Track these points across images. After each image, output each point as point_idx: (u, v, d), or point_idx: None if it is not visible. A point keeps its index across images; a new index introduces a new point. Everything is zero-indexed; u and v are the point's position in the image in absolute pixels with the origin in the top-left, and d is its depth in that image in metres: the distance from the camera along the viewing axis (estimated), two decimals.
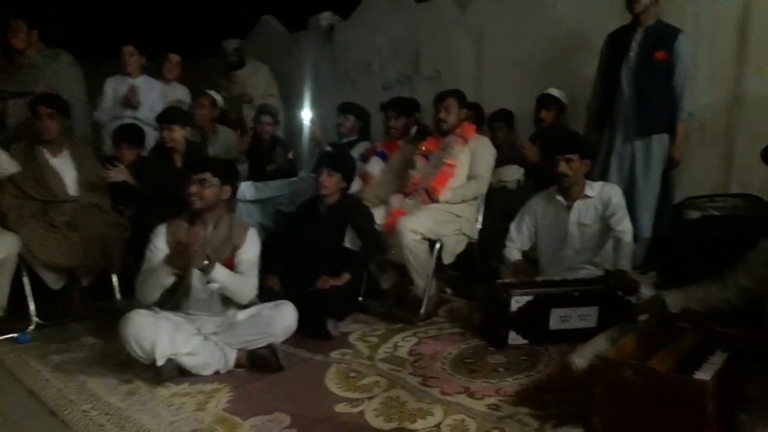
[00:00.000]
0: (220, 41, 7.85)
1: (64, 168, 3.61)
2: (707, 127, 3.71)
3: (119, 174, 3.69)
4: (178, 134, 3.89)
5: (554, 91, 4.12)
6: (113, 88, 4.90)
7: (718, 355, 1.99)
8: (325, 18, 6.48)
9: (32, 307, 3.35)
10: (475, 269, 3.93)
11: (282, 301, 2.85)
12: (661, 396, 1.80)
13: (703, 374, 1.82)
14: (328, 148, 4.45)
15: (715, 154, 3.71)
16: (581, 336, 2.69)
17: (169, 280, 2.65)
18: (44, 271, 3.38)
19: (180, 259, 2.57)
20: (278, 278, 3.29)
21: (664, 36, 3.40)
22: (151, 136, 4.42)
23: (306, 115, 5.67)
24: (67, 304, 3.56)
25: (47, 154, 3.56)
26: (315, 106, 5.92)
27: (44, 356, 2.94)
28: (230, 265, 2.77)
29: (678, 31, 3.41)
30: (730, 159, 3.65)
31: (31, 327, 3.29)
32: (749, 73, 3.57)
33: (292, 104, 6.18)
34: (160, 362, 2.53)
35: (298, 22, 6.91)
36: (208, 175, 2.74)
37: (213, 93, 5.03)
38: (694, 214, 3.52)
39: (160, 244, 2.73)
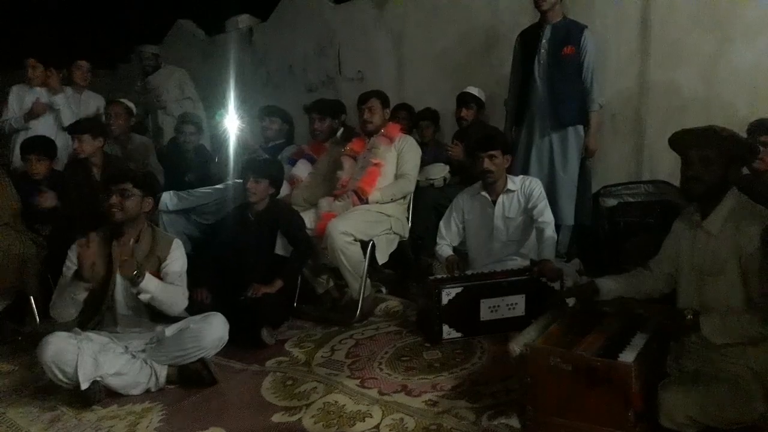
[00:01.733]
0: (135, 47, 7.57)
1: None
2: (618, 117, 3.90)
3: (48, 200, 3.52)
4: (89, 145, 3.72)
5: (472, 90, 4.20)
6: (18, 97, 4.63)
7: (639, 336, 2.08)
8: (243, 21, 6.37)
9: None
10: (409, 267, 3.97)
11: (211, 312, 2.77)
12: (589, 380, 1.86)
13: (627, 356, 1.90)
14: (263, 156, 4.33)
15: (627, 143, 3.89)
16: (511, 325, 2.79)
17: (81, 294, 2.52)
18: None
19: (90, 269, 2.45)
20: (208, 289, 3.19)
21: (571, 32, 3.54)
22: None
23: (231, 121, 5.54)
24: None
25: None
26: (238, 110, 5.80)
27: None
28: (156, 277, 2.66)
29: (583, 26, 3.56)
30: (641, 147, 3.84)
31: None
32: (652, 65, 3.77)
33: (213, 109, 6.03)
34: (84, 386, 2.40)
35: (216, 25, 6.76)
36: (128, 186, 2.63)
37: (126, 101, 4.82)
38: (611, 202, 3.70)
39: (75, 259, 2.60)
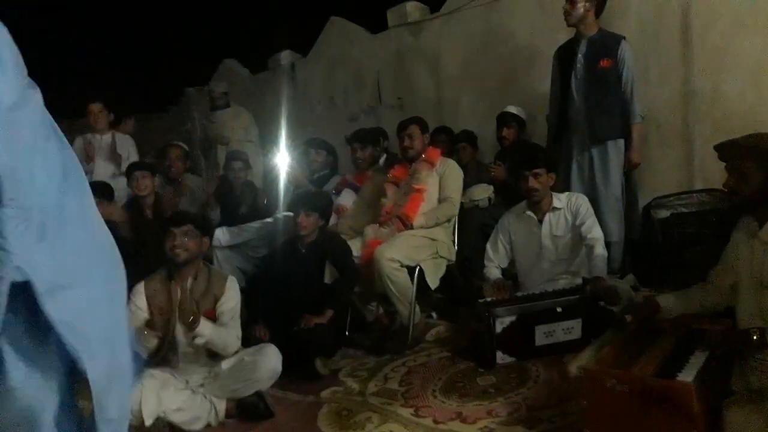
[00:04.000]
0: (183, 89, 7.88)
1: None
2: (664, 126, 3.81)
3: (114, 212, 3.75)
4: (148, 184, 3.91)
5: (512, 109, 4.19)
6: (81, 146, 4.89)
7: (699, 353, 2.00)
8: (285, 57, 6.55)
9: None
10: (458, 290, 3.94)
11: (264, 344, 2.82)
12: (647, 401, 1.81)
13: (686, 375, 1.83)
14: (311, 189, 4.42)
15: (676, 153, 3.79)
16: (567, 348, 2.72)
17: (153, 342, 2.62)
18: None
19: (161, 321, 2.55)
20: (264, 324, 3.25)
21: (607, 44, 3.50)
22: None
23: (279, 155, 5.67)
24: None
25: None
26: (285, 145, 5.95)
27: None
28: (211, 315, 2.75)
29: (620, 37, 3.51)
30: (690, 155, 3.73)
31: None
32: (696, 72, 3.67)
33: (261, 144, 6.20)
34: (148, 422, 2.48)
35: (259, 63, 6.98)
36: (191, 227, 2.74)
37: (183, 144, 5.02)
38: (663, 213, 3.59)
39: (140, 303, 2.71)
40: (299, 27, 6.54)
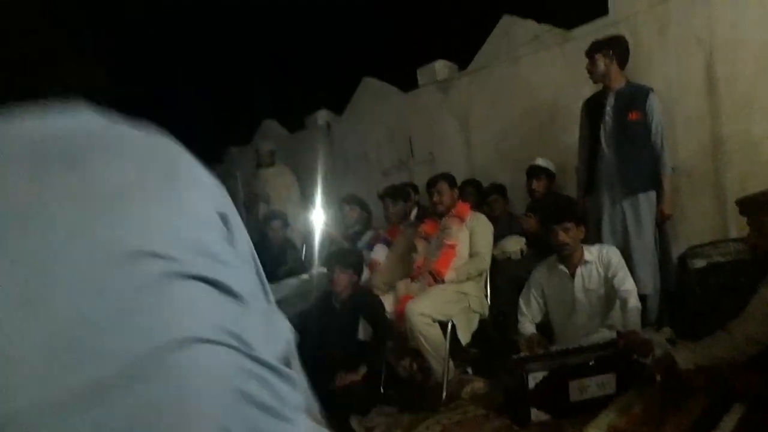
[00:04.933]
0: (226, 148, 8.19)
1: None
2: (695, 175, 3.77)
3: None
4: None
5: (541, 161, 4.23)
6: None
7: (735, 410, 1.95)
8: (321, 116, 6.78)
9: None
10: (492, 345, 3.91)
11: None
12: None
13: None
14: (345, 246, 4.51)
15: (708, 201, 3.74)
16: (603, 404, 2.65)
17: None
18: None
19: None
20: None
21: (635, 97, 3.53)
22: None
23: (315, 212, 5.81)
24: None
25: None
26: (322, 202, 6.09)
27: None
28: None
29: (648, 89, 3.53)
30: (723, 203, 3.67)
31: None
32: (724, 120, 3.66)
33: (301, 202, 6.36)
34: None
35: (296, 122, 7.23)
36: None
37: None
38: (700, 263, 3.52)
39: None
40: (334, 87, 6.78)
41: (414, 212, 4.52)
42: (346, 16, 6.79)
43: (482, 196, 4.49)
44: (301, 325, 3.80)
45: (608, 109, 3.59)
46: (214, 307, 0.49)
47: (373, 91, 6.06)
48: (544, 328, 3.42)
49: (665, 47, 3.89)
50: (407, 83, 5.74)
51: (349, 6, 6.57)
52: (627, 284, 3.04)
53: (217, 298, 0.50)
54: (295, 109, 7.29)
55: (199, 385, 0.46)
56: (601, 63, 3.54)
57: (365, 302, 3.57)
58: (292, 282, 4.45)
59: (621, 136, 3.54)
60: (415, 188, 4.81)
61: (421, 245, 3.84)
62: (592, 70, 3.59)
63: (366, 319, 3.51)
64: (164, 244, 0.48)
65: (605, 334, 3.08)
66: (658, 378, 2.44)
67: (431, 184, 3.85)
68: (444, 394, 3.34)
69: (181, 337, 0.45)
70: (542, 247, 3.82)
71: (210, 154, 8.48)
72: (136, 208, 0.48)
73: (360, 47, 6.88)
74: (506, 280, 3.92)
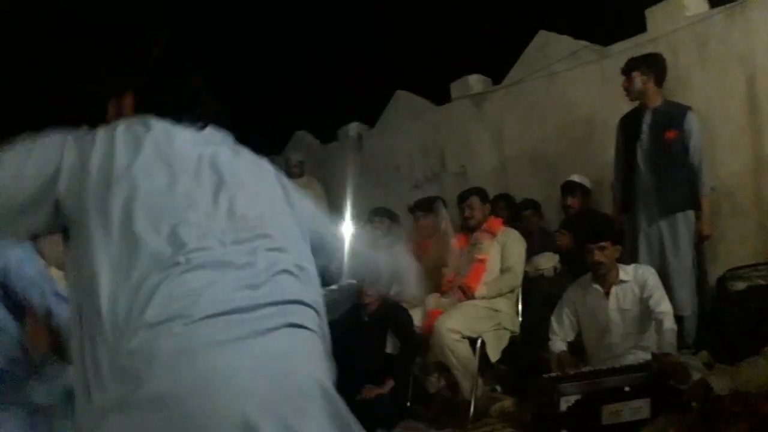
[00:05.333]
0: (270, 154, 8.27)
1: None
2: (736, 196, 3.70)
3: None
4: None
5: (576, 177, 4.18)
6: None
7: None
8: (353, 128, 6.82)
9: None
10: (523, 363, 3.86)
11: None
12: None
13: None
14: None
15: (749, 222, 3.66)
16: (635, 429, 2.60)
17: None
18: None
19: None
20: None
21: (673, 115, 3.48)
22: None
23: (346, 225, 5.82)
24: None
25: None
26: (352, 214, 6.11)
27: None
28: None
29: (686, 108, 3.48)
30: (765, 224, 3.59)
31: None
32: (766, 138, 3.58)
33: (330, 213, 6.39)
34: None
35: (329, 134, 7.29)
36: None
37: None
38: (740, 285, 3.45)
39: None
40: (367, 100, 6.83)
41: (443, 226, 4.50)
42: (381, 29, 6.84)
43: (515, 211, 4.45)
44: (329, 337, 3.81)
45: (645, 127, 3.55)
46: None
47: (405, 104, 6.09)
48: (576, 347, 3.37)
49: (705, 65, 3.84)
50: (440, 97, 5.76)
51: (384, 19, 6.62)
52: (663, 305, 2.99)
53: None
54: (328, 120, 7.35)
55: None
56: (638, 81, 3.51)
57: (394, 315, 3.56)
58: (323, 292, 4.46)
59: (658, 155, 3.49)
60: (444, 202, 4.80)
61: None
62: (628, 88, 3.55)
63: (394, 333, 3.50)
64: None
65: (639, 356, 3.03)
66: (694, 404, 2.38)
67: (463, 198, 3.85)
68: (472, 411, 3.31)
69: None
70: (576, 265, 3.77)
71: None
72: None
73: (393, 60, 6.92)
74: (538, 297, 3.88)
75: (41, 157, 1.06)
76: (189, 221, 1.05)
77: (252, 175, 1.25)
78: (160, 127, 1.14)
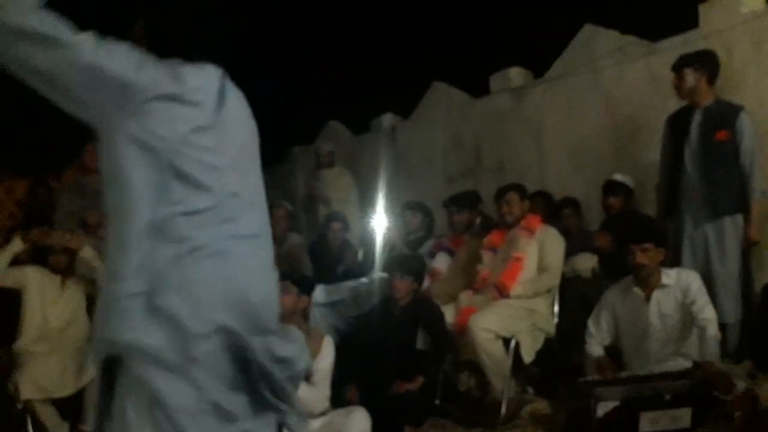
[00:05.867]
0: (289, 147, 8.33)
1: None
2: None
3: None
4: None
5: (619, 177, 4.11)
6: None
7: None
8: (387, 120, 6.81)
9: None
10: (557, 365, 3.82)
11: (353, 406, 2.87)
12: None
13: None
14: (406, 252, 4.53)
15: None
16: None
17: None
18: None
19: None
20: (355, 386, 3.30)
21: (725, 115, 3.39)
22: None
23: (377, 216, 5.84)
24: None
25: None
26: (384, 207, 6.11)
27: None
28: (307, 373, 2.83)
29: (739, 108, 3.39)
30: None
31: None
32: None
33: (361, 205, 6.40)
34: None
35: (361, 125, 7.29)
36: (288, 284, 2.88)
37: (287, 204, 5.32)
38: None
39: None
40: (402, 91, 6.80)
41: (478, 222, 4.48)
42: (420, 18, 6.80)
43: (553, 209, 4.40)
44: (359, 329, 3.83)
45: (694, 126, 3.46)
46: None
47: (442, 96, 6.05)
48: (612, 353, 3.32)
49: (760, 63, 3.72)
50: (478, 89, 5.70)
51: (424, 7, 6.58)
52: (707, 312, 2.93)
53: None
54: (361, 111, 7.35)
55: None
56: (690, 78, 3.42)
57: (426, 311, 3.56)
58: (350, 285, 4.47)
59: (706, 156, 3.41)
60: (479, 198, 4.76)
61: (487, 256, 3.80)
62: (679, 86, 3.47)
63: (425, 329, 3.50)
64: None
65: (679, 363, 2.97)
66: (738, 414, 2.33)
67: (501, 193, 3.82)
68: (503, 411, 3.29)
69: None
70: (615, 267, 3.72)
71: (274, 153, 8.64)
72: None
73: (431, 50, 6.87)
74: (575, 299, 3.83)
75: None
76: None
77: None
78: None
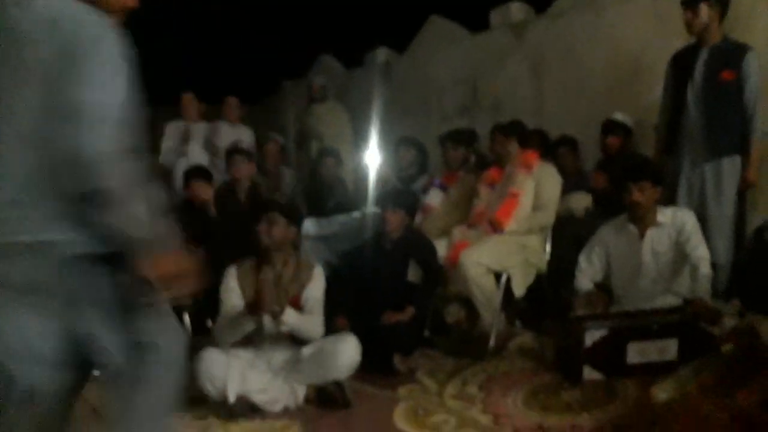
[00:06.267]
0: (280, 81, 8.17)
1: None
2: None
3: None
4: (244, 169, 4.10)
5: (619, 116, 4.08)
6: (173, 132, 5.21)
7: None
8: (381, 54, 6.67)
9: None
10: (546, 301, 3.89)
11: (344, 333, 2.91)
12: None
13: None
14: (398, 186, 4.51)
15: None
16: (661, 369, 2.64)
17: (251, 326, 2.79)
18: None
19: (260, 307, 2.71)
20: (345, 315, 3.34)
21: (731, 55, 3.34)
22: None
23: (369, 152, 5.79)
24: None
25: None
26: (377, 142, 6.05)
27: None
28: (297, 302, 2.87)
29: (747, 48, 3.34)
30: None
31: None
32: None
33: (353, 141, 6.34)
34: (231, 399, 2.63)
35: (354, 59, 7.14)
36: (276, 215, 2.88)
37: (278, 137, 5.26)
38: None
39: (233, 284, 2.91)
40: (397, 24, 6.63)
41: (472, 159, 4.46)
42: None
43: (549, 148, 4.38)
44: (350, 262, 3.85)
45: (699, 64, 3.42)
46: None
47: (439, 31, 5.92)
48: (603, 289, 3.38)
49: None
50: (477, 24, 5.58)
51: None
52: (700, 250, 2.97)
53: None
54: (355, 45, 7.18)
55: None
56: (705, 14, 3.34)
57: (417, 245, 3.57)
58: (342, 219, 4.48)
59: (710, 96, 3.37)
60: (476, 135, 4.73)
61: (484, 192, 3.79)
62: (692, 21, 3.39)
63: (417, 262, 3.52)
64: None
65: (669, 300, 3.04)
66: (726, 347, 2.39)
67: (498, 130, 3.79)
68: (491, 344, 3.36)
69: None
70: (609, 208, 3.74)
71: (263, 88, 8.49)
72: None
73: None
74: (567, 238, 3.86)
75: None
76: None
77: None
78: None
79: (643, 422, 2.33)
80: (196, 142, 5.30)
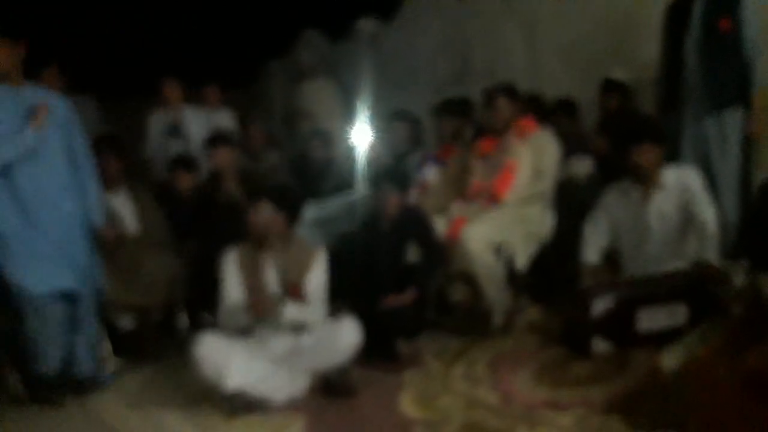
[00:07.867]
0: (264, 64, 8.10)
1: (124, 206, 3.85)
2: None
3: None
4: (224, 158, 4.08)
5: (617, 74, 4.06)
6: (157, 123, 5.18)
7: None
8: (368, 25, 6.60)
9: (110, 347, 3.57)
10: (551, 272, 3.91)
11: (343, 317, 2.92)
12: (759, 395, 1.77)
13: None
14: (392, 164, 4.50)
15: None
16: (671, 335, 2.66)
17: (251, 320, 2.83)
18: (118, 312, 3.62)
19: (257, 312, 2.76)
20: (343, 300, 3.35)
21: (728, 2, 3.32)
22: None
23: (360, 129, 5.76)
24: (138, 344, 3.76)
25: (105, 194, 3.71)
26: (368, 118, 6.02)
27: (122, 394, 3.10)
28: (297, 291, 2.87)
29: None
30: None
31: (112, 368, 3.48)
32: None
33: (344, 117, 6.32)
34: (230, 386, 2.66)
35: (339, 31, 7.07)
36: (262, 202, 2.87)
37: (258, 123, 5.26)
38: None
39: (232, 268, 2.92)
40: None
41: (469, 131, 4.44)
42: None
43: (546, 113, 4.36)
44: (347, 245, 3.86)
45: (696, 13, 3.40)
46: None
47: None
48: (610, 256, 3.39)
49: None
50: None
51: None
52: (706, 211, 2.98)
53: None
54: (339, 16, 7.10)
55: None
56: None
57: (415, 223, 3.57)
58: (336, 201, 4.48)
59: (709, 46, 3.36)
60: (471, 104, 4.70)
61: (478, 165, 3.77)
62: None
63: (416, 242, 3.53)
64: None
65: (677, 264, 3.05)
66: (735, 310, 2.42)
67: (490, 96, 3.74)
68: (497, 320, 3.38)
69: None
70: (612, 172, 3.73)
71: (245, 69, 8.40)
72: None
73: None
74: (569, 205, 3.86)
75: None
76: None
77: None
78: None
79: (655, 391, 2.37)
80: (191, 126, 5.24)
